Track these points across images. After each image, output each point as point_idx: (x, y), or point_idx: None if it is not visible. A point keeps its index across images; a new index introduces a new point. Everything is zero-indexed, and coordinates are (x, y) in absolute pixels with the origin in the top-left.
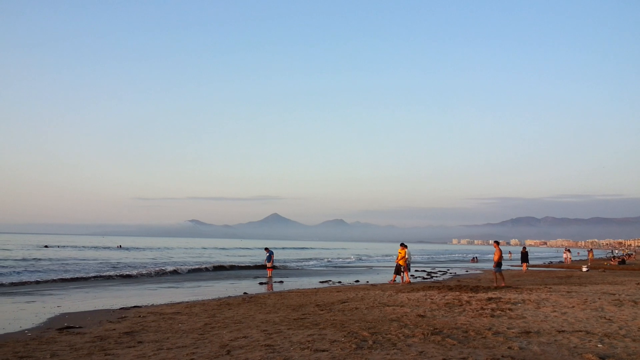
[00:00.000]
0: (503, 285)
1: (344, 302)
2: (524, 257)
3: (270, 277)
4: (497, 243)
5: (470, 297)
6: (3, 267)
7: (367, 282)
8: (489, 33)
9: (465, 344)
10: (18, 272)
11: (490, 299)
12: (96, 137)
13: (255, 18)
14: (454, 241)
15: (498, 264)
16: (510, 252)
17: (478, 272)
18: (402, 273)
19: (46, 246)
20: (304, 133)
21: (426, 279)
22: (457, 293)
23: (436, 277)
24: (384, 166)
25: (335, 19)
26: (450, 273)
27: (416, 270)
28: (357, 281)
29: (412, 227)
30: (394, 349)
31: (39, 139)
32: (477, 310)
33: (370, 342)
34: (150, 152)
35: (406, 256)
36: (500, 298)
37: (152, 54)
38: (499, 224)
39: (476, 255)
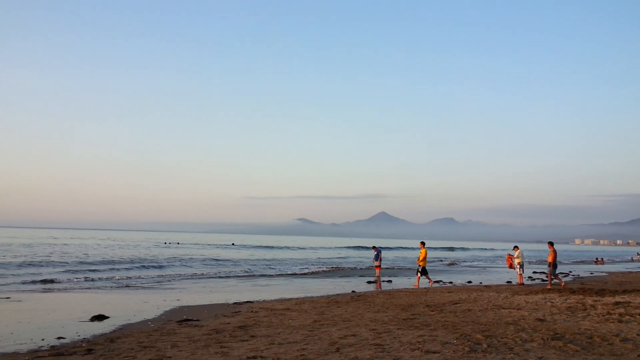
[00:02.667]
0: (549, 287)
1: (456, 304)
2: None
3: (379, 276)
4: (551, 244)
5: (595, 300)
6: (130, 263)
7: (481, 283)
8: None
9: (589, 350)
10: (151, 274)
11: (617, 303)
12: (209, 138)
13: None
14: (577, 241)
15: (553, 265)
16: (638, 254)
17: (604, 274)
18: (419, 274)
19: (165, 243)
20: (412, 129)
21: (545, 281)
22: (581, 296)
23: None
24: (499, 162)
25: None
26: (573, 275)
27: (534, 272)
28: (470, 282)
29: (529, 226)
30: (510, 354)
31: (159, 142)
32: (602, 315)
33: (485, 346)
34: (259, 152)
35: (516, 256)
36: (630, 302)
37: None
38: (627, 222)
39: (602, 256)
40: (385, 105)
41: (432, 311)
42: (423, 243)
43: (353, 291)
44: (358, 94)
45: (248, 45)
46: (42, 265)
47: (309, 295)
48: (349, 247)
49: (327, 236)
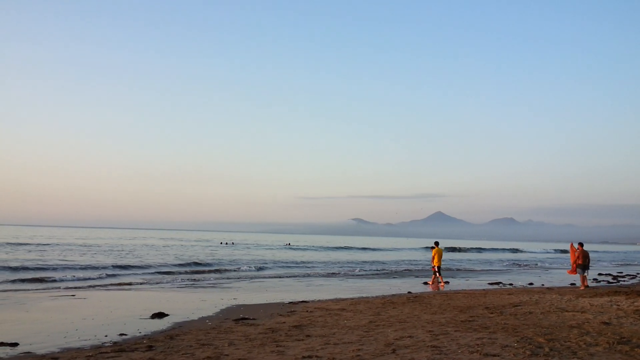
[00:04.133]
0: (582, 288)
1: (516, 306)
2: None
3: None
4: (581, 245)
5: None
6: (188, 263)
7: (542, 285)
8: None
9: None
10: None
11: None
12: (263, 139)
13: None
14: None
15: (581, 266)
16: None
17: None
18: (436, 275)
19: (221, 243)
20: (467, 127)
21: (611, 283)
22: None
23: (623, 281)
24: (561, 160)
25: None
26: None
27: (599, 274)
28: (531, 284)
29: (593, 226)
30: (574, 358)
31: (213, 144)
32: None
33: (547, 349)
34: (313, 152)
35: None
36: None
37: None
38: None
39: None
40: (440, 104)
41: (492, 313)
42: (437, 243)
43: (409, 292)
44: (410, 93)
45: (303, 43)
46: (102, 267)
47: (364, 295)
48: (404, 248)
49: (382, 236)
